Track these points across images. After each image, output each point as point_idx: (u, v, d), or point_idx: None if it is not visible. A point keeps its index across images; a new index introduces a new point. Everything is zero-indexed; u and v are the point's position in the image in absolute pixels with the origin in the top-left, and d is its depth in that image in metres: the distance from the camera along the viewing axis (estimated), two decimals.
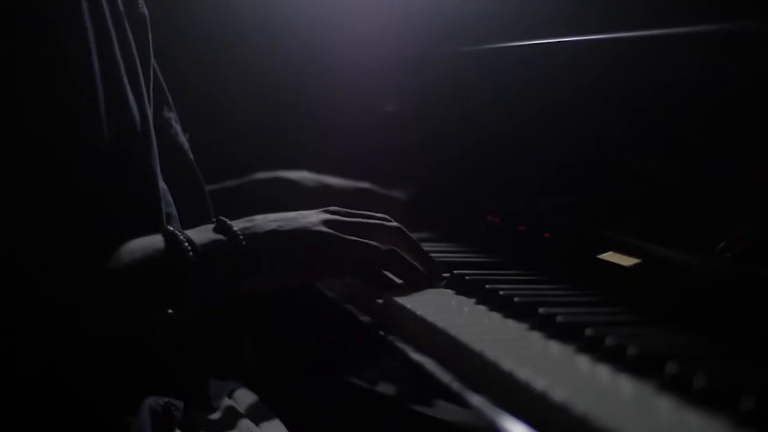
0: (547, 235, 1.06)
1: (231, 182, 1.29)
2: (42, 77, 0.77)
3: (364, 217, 0.93)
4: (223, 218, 0.85)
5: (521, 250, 1.07)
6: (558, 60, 1.12)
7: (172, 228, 0.82)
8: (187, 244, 0.80)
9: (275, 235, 0.86)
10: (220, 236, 0.84)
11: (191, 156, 1.03)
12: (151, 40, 0.92)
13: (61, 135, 0.77)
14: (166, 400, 0.88)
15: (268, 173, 1.32)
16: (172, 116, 1.01)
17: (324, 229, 0.88)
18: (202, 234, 0.84)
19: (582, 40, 1.05)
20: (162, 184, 0.89)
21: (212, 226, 0.85)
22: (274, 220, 0.88)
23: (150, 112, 0.88)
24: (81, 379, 0.79)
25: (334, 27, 1.69)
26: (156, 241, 0.81)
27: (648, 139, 0.95)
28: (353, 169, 1.42)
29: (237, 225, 0.85)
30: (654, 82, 0.95)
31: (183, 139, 1.03)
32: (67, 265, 0.76)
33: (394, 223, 0.95)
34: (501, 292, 0.85)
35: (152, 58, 0.93)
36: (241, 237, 0.83)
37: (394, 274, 0.92)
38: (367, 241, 0.89)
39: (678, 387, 0.60)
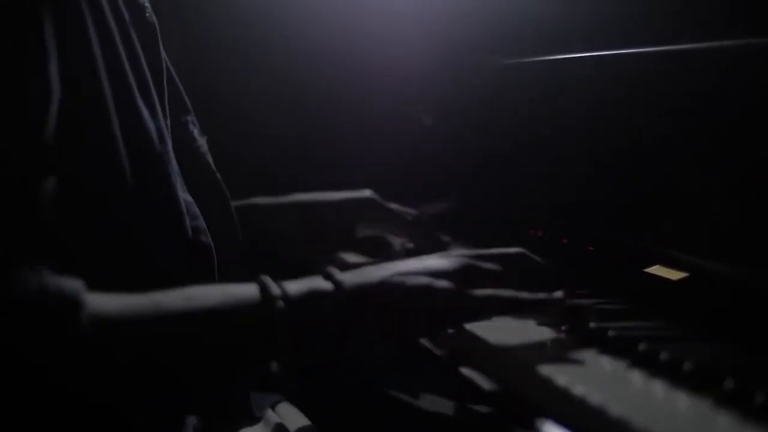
0: (590, 248, 1.05)
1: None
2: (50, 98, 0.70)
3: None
4: (332, 269, 0.76)
5: (565, 264, 1.06)
6: (598, 73, 1.11)
7: (264, 277, 0.73)
8: (279, 290, 0.72)
9: (385, 288, 0.76)
10: (321, 285, 0.74)
11: (210, 159, 0.99)
12: (161, 48, 0.89)
13: (74, 158, 0.72)
14: (208, 419, 0.87)
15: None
16: (189, 119, 0.98)
17: (445, 284, 0.77)
18: (300, 283, 0.75)
19: (624, 53, 1.05)
20: (186, 197, 0.86)
21: (317, 277, 0.76)
22: (388, 271, 0.78)
23: (166, 124, 0.85)
24: (122, 402, 0.70)
25: (366, 35, 1.69)
26: (241, 288, 0.73)
27: (694, 152, 0.95)
28: (386, 178, 1.41)
29: (344, 275, 0.76)
30: (703, 96, 0.94)
31: (202, 142, 0.99)
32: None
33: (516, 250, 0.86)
34: None
35: (164, 65, 0.89)
36: (345, 286, 0.74)
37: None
38: (488, 295, 0.79)
39: (737, 402, 0.60)
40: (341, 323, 0.74)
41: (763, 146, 0.85)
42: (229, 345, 0.71)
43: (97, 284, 0.69)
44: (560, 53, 1.17)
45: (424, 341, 0.86)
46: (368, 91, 1.68)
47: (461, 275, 0.78)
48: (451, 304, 0.77)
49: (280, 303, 0.70)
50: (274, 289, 0.72)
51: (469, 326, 0.82)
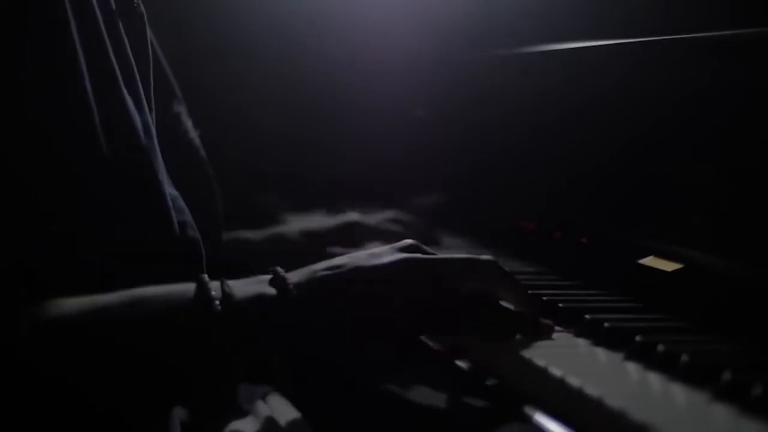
0: (584, 240, 1.04)
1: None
2: (30, 90, 0.71)
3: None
4: (279, 269, 0.73)
5: (558, 256, 1.06)
6: (591, 64, 1.10)
7: (206, 278, 0.70)
8: (217, 294, 0.69)
9: (337, 285, 0.73)
10: (269, 290, 0.72)
11: (203, 152, 0.99)
12: (149, 39, 0.87)
13: (56, 151, 0.71)
14: (194, 412, 0.86)
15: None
16: (182, 110, 0.97)
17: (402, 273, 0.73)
18: (248, 286, 0.72)
19: (616, 44, 1.04)
20: (172, 191, 0.84)
21: (267, 277, 0.73)
22: (338, 267, 0.74)
23: (152, 117, 0.83)
24: (108, 394, 0.70)
25: (359, 29, 1.68)
26: (185, 289, 0.71)
27: (688, 144, 0.94)
28: (381, 172, 1.40)
29: (294, 277, 0.73)
30: (695, 87, 0.93)
31: (194, 134, 0.98)
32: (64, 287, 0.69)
33: (486, 257, 0.78)
34: (544, 298, 0.84)
35: (152, 56, 0.87)
36: (294, 290, 0.71)
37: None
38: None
39: (734, 395, 0.59)
40: (286, 328, 0.71)
41: (757, 138, 0.85)
42: (170, 352, 0.69)
43: (82, 279, 0.69)
44: (553, 44, 1.16)
45: None
46: (364, 88, 1.68)
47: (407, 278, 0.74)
48: (394, 312, 0.73)
49: (218, 310, 0.67)
50: (216, 295, 0.69)
51: None
